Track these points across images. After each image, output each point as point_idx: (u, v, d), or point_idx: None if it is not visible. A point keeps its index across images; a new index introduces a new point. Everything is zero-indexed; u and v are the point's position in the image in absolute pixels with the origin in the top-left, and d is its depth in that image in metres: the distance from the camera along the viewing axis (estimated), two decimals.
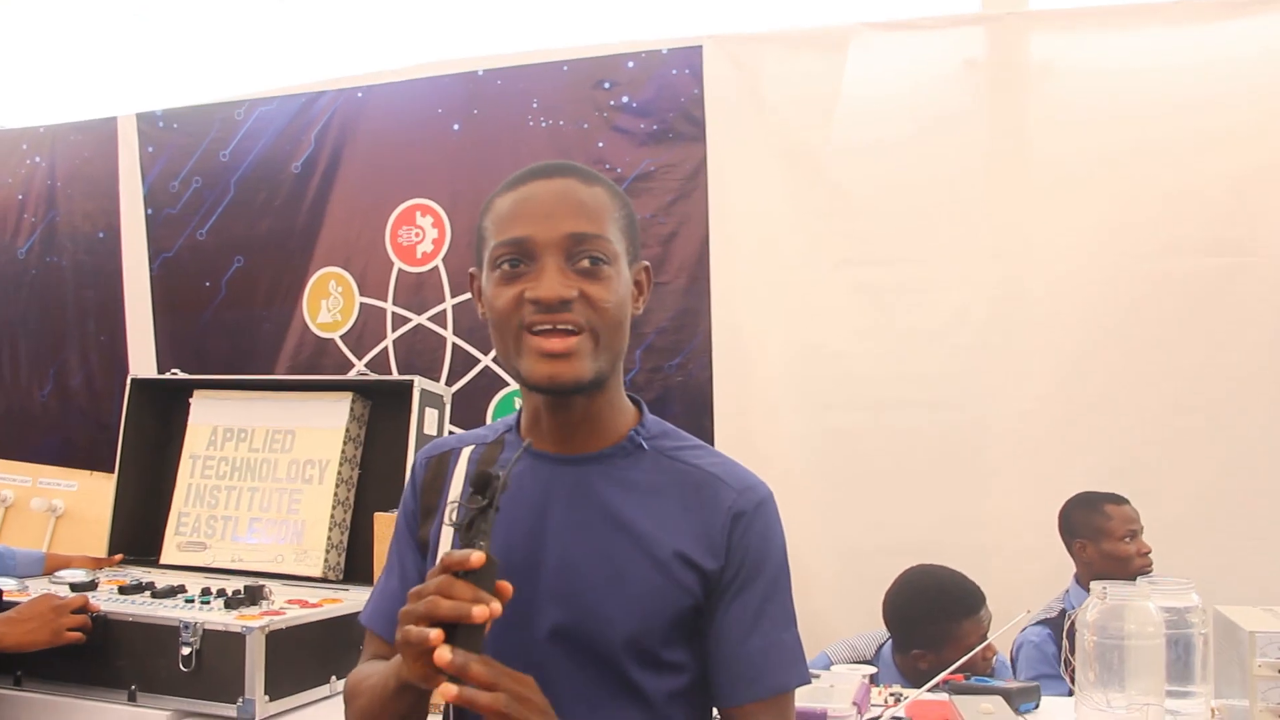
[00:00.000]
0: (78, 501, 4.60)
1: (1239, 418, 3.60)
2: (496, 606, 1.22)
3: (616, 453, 1.48)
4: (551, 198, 1.41)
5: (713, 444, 3.80)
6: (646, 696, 1.41)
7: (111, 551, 3.29)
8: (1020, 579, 3.53)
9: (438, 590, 1.22)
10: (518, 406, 1.56)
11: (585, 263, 1.39)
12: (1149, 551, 3.32)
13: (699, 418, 4.00)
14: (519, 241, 1.39)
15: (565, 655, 1.40)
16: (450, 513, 1.43)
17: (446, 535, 1.49)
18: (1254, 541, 3.53)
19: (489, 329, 1.45)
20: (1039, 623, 3.23)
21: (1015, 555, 3.65)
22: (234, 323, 4.70)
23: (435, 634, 1.20)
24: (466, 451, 1.56)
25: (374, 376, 3.50)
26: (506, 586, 1.25)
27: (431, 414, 3.09)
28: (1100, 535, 3.34)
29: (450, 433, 3.20)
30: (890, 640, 2.99)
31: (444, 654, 1.20)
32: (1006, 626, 2.71)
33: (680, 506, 1.44)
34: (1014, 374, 3.77)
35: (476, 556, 1.22)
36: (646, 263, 1.53)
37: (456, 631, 1.22)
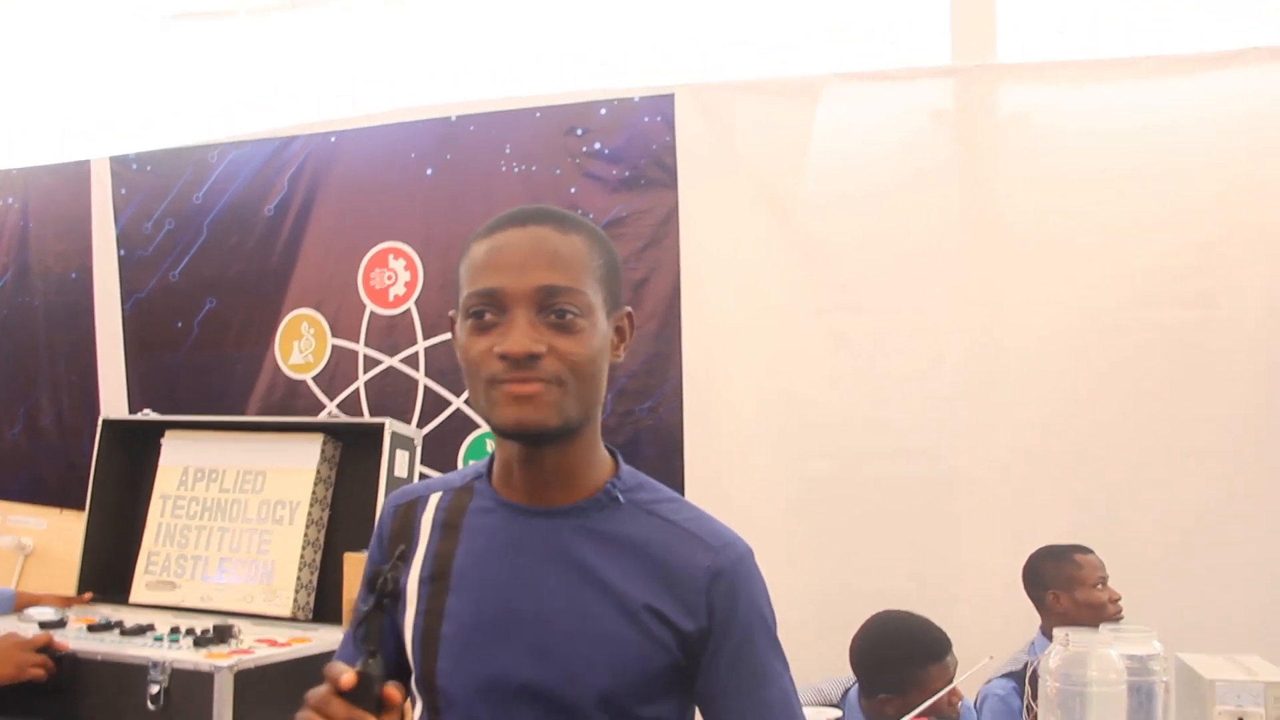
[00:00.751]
0: (47, 539, 4.57)
1: (1207, 467, 3.63)
2: None
3: (591, 505, 1.44)
4: (525, 247, 1.38)
5: (683, 488, 3.88)
6: None
7: (81, 590, 3.29)
8: (989, 626, 3.53)
9: (316, 705, 1.21)
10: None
11: (555, 316, 1.35)
12: (1119, 599, 3.35)
13: (670, 461, 4.02)
14: (490, 293, 1.36)
15: (537, 711, 1.38)
16: (355, 608, 1.37)
17: (413, 589, 1.46)
18: (1222, 592, 3.55)
19: (464, 374, 1.43)
20: (1004, 675, 3.24)
21: (985, 603, 3.65)
22: (206, 363, 4.70)
23: None
24: (435, 498, 1.51)
25: (345, 418, 3.52)
26: (394, 695, 1.23)
27: (402, 455, 3.10)
28: (1073, 584, 3.34)
29: (421, 475, 3.21)
30: (857, 685, 3.00)
31: None
32: (970, 672, 2.73)
33: (653, 562, 1.41)
34: (987, 423, 3.78)
35: (347, 679, 1.21)
36: (629, 309, 1.49)
37: None
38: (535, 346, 1.33)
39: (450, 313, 1.46)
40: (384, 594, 1.26)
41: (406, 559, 1.34)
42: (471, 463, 1.59)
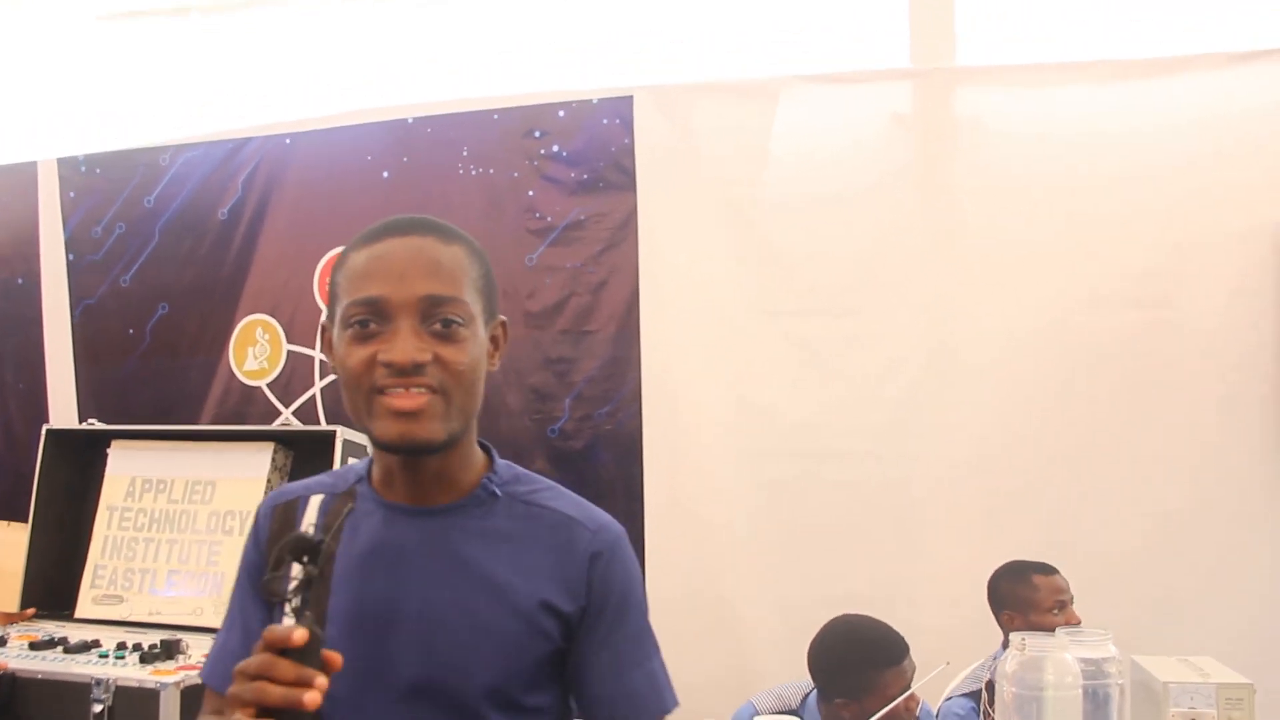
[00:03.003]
0: None
1: (1166, 470, 3.64)
2: (323, 681, 1.18)
3: (471, 502, 1.47)
4: (407, 256, 1.39)
5: (642, 492, 3.84)
6: None
7: (24, 605, 3.22)
8: (950, 630, 3.52)
9: (259, 670, 1.18)
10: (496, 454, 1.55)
11: (439, 325, 1.37)
12: (1078, 623, 3.30)
13: (629, 466, 4.00)
14: (372, 301, 1.37)
15: (424, 707, 1.40)
16: (268, 584, 1.30)
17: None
18: (1181, 594, 3.57)
19: (340, 385, 1.43)
20: (964, 694, 3.21)
21: (946, 606, 3.65)
22: (159, 370, 4.62)
23: None
24: (316, 500, 1.51)
25: (296, 427, 3.47)
26: (334, 658, 1.21)
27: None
28: (1027, 607, 3.29)
29: None
30: (815, 689, 2.98)
31: None
32: (927, 678, 2.71)
33: (538, 551, 1.45)
34: (946, 426, 3.78)
35: (299, 634, 1.18)
36: (503, 318, 1.52)
37: (284, 715, 1.18)
38: (420, 355, 1.35)
39: (322, 322, 1.47)
40: (327, 560, 1.23)
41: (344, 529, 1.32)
42: (351, 463, 1.57)
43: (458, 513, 1.46)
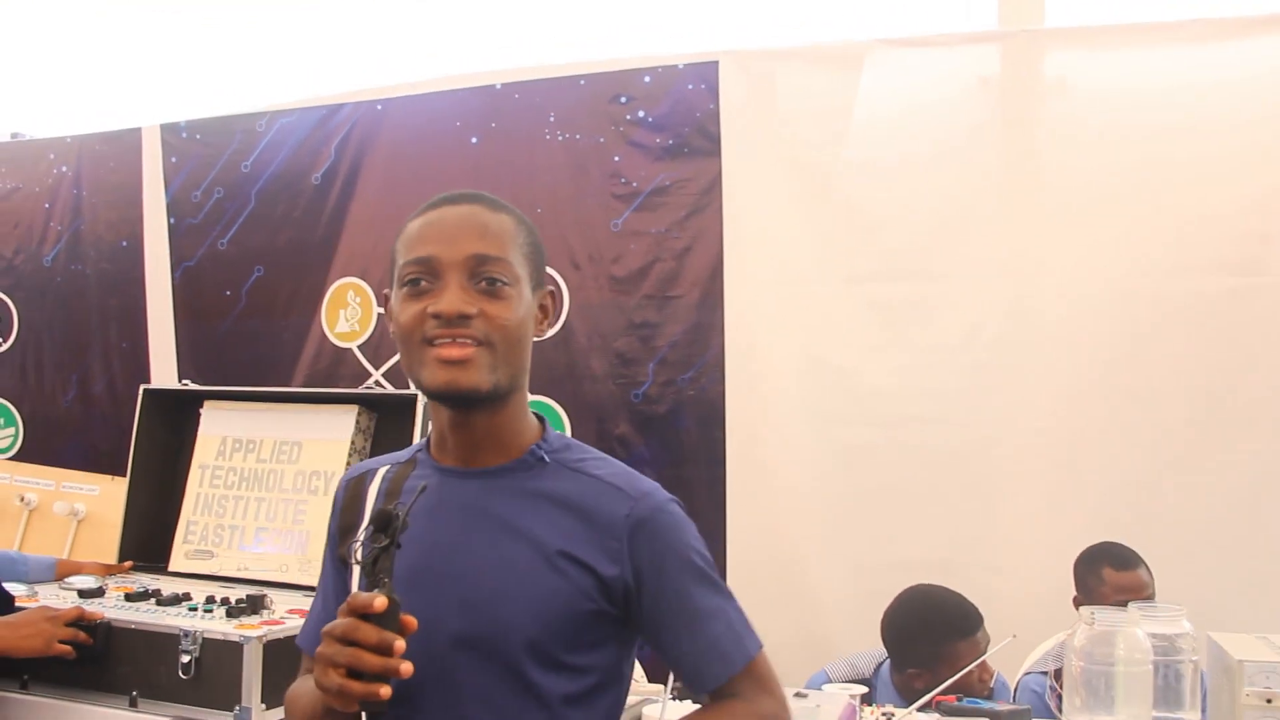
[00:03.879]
0: (99, 506, 4.64)
1: (1249, 441, 3.56)
2: (401, 644, 1.29)
3: (518, 466, 1.53)
4: (457, 221, 1.50)
5: (724, 457, 3.87)
6: (544, 698, 1.46)
7: (121, 558, 3.34)
8: (1027, 599, 3.50)
9: (345, 633, 1.29)
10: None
11: (485, 283, 1.46)
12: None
13: (711, 430, 4.02)
14: (424, 260, 1.47)
15: (468, 661, 1.45)
16: (354, 551, 1.48)
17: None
18: (1263, 570, 3.49)
19: (397, 344, 1.52)
20: (1042, 671, 3.17)
21: (1023, 573, 3.63)
22: (253, 332, 4.74)
23: (385, 690, 1.29)
24: (382, 471, 1.62)
25: (380, 390, 3.53)
26: (411, 621, 1.32)
27: None
28: (1091, 597, 3.24)
29: None
30: (889, 659, 2.98)
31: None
32: (994, 649, 2.70)
33: (576, 514, 1.50)
34: (1025, 392, 3.74)
35: (380, 602, 1.29)
36: (553, 288, 1.63)
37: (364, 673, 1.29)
38: (467, 307, 1.44)
39: (385, 290, 1.56)
40: (399, 531, 1.34)
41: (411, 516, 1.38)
42: (419, 440, 1.64)
43: (505, 474, 1.53)
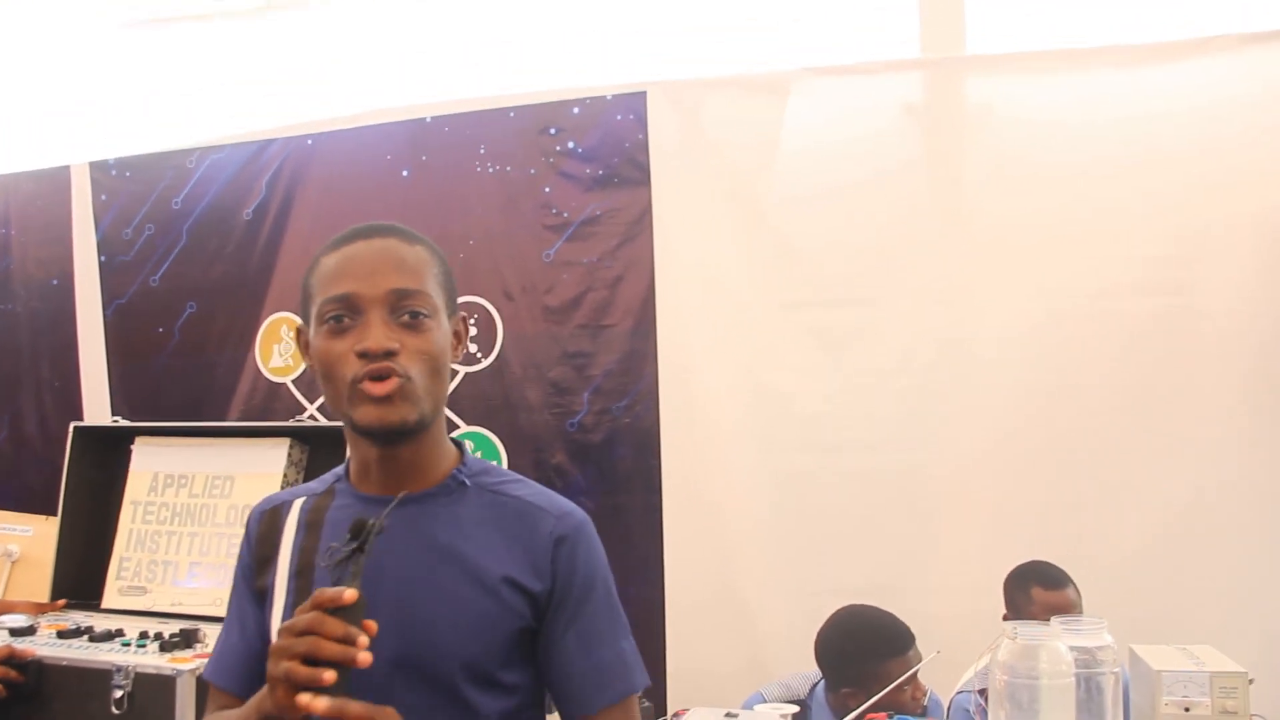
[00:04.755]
0: (33, 546, 4.56)
1: (1183, 460, 3.61)
2: (365, 640, 1.30)
3: (440, 491, 1.57)
4: (374, 255, 1.52)
5: (660, 485, 3.88)
6: (481, 716, 1.50)
7: (54, 596, 3.32)
8: (963, 621, 3.51)
9: (309, 626, 1.29)
10: (470, 449, 1.65)
11: (407, 317, 1.50)
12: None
13: (646, 459, 4.03)
14: (344, 298, 1.49)
15: (405, 681, 1.48)
16: (325, 555, 1.48)
17: (282, 585, 1.56)
18: (1199, 588, 3.53)
19: (318, 379, 1.54)
20: (978, 690, 3.19)
21: (959, 594, 3.65)
22: (187, 368, 4.70)
23: (329, 674, 1.27)
24: (298, 503, 1.63)
25: (310, 424, 3.53)
26: (372, 625, 1.32)
27: None
28: (1020, 615, 3.22)
29: None
30: (823, 680, 3.01)
31: (320, 702, 1.27)
32: (919, 666, 2.73)
33: (504, 535, 1.54)
34: (960, 415, 3.79)
35: (350, 593, 1.30)
36: (464, 314, 1.64)
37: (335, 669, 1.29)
38: (390, 343, 1.47)
39: (298, 324, 1.59)
40: (372, 535, 1.36)
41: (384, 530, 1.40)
42: (332, 470, 1.66)
43: (429, 500, 1.56)
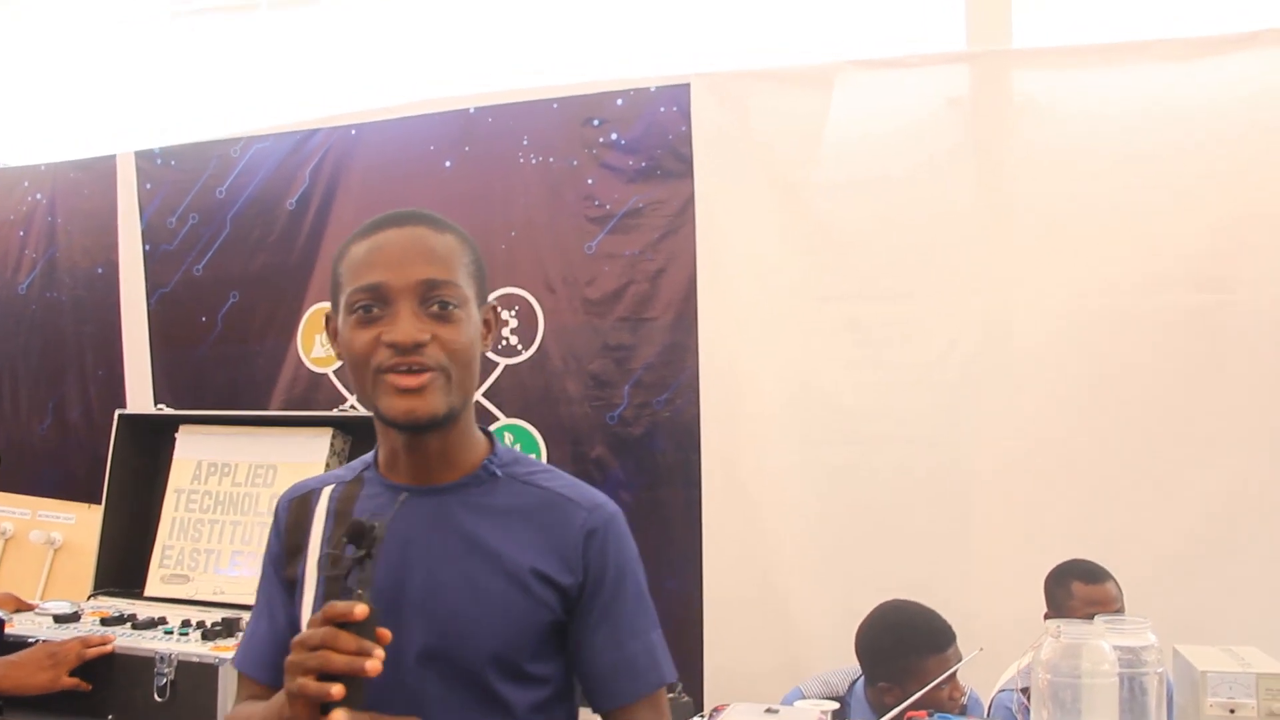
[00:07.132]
0: (76, 534, 4.61)
1: (1223, 455, 3.57)
2: (380, 653, 1.29)
3: (471, 482, 1.56)
4: (404, 244, 1.50)
5: (700, 479, 3.87)
6: (511, 708, 1.50)
7: (97, 584, 3.35)
8: (1003, 618, 3.51)
9: (322, 642, 1.28)
10: (509, 442, 1.63)
11: (436, 307, 1.48)
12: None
13: (687, 453, 4.02)
14: (374, 287, 1.47)
15: (434, 674, 1.48)
16: (325, 562, 1.47)
17: (311, 575, 1.56)
18: (1237, 584, 3.50)
19: (346, 369, 1.53)
20: (1021, 689, 3.18)
21: (1000, 591, 3.63)
22: (230, 357, 4.73)
23: (336, 689, 1.27)
24: (327, 491, 1.62)
25: (353, 413, 3.54)
26: (386, 633, 1.32)
27: None
28: (1061, 612, 3.24)
29: None
30: (862, 676, 3.00)
31: (339, 715, 1.27)
32: (961, 663, 2.72)
33: (534, 527, 1.53)
34: (1001, 409, 3.76)
35: (360, 609, 1.29)
36: (494, 303, 1.63)
37: (342, 682, 1.28)
38: (420, 335, 1.45)
39: (326, 312, 1.58)
40: (376, 543, 1.34)
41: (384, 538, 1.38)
42: (360, 457, 1.65)
43: (459, 491, 1.56)
